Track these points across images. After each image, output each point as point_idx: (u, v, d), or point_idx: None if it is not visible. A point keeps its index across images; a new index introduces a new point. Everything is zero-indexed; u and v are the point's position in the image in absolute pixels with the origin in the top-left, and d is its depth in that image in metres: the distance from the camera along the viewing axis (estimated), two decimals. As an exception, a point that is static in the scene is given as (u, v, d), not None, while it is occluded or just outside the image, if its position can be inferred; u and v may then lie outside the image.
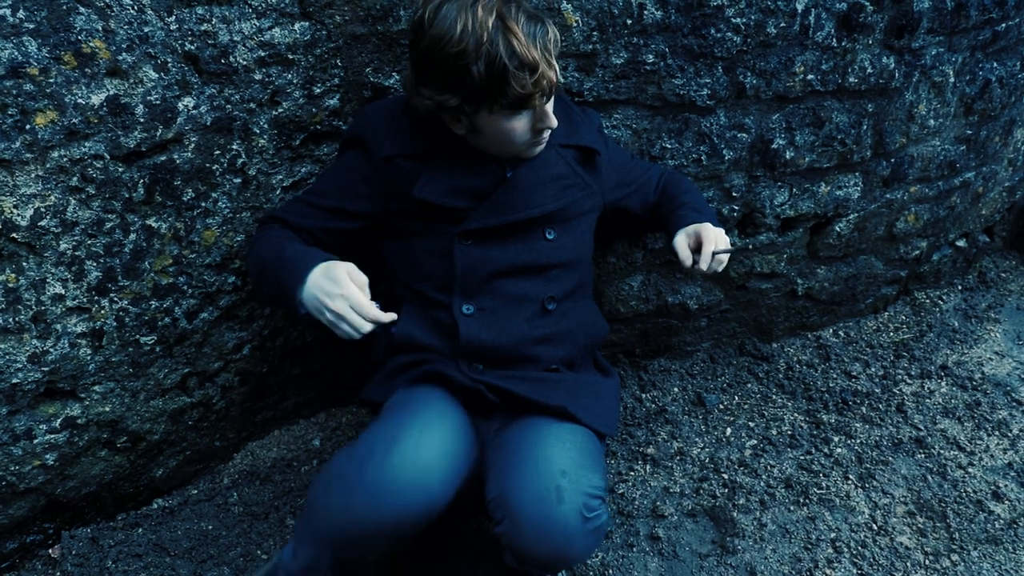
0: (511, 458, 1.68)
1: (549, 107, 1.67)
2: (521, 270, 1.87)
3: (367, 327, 1.58)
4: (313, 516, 1.63)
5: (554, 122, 1.70)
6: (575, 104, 2.00)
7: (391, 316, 1.60)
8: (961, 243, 3.20)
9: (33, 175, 1.66)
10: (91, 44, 1.64)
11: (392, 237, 1.90)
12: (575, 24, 2.00)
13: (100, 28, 1.64)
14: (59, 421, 1.94)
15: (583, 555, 1.64)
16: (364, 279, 1.62)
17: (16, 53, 1.55)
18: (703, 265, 1.85)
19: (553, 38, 1.61)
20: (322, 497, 1.60)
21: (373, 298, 1.64)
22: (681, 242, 1.93)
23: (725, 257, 1.89)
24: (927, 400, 2.64)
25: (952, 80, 2.55)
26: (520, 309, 1.86)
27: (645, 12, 2.03)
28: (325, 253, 1.70)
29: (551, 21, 1.64)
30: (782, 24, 2.15)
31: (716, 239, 1.87)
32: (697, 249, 1.90)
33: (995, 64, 2.63)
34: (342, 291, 1.57)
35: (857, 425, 2.53)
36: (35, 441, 1.92)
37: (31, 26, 1.55)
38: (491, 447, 1.79)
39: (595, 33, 2.03)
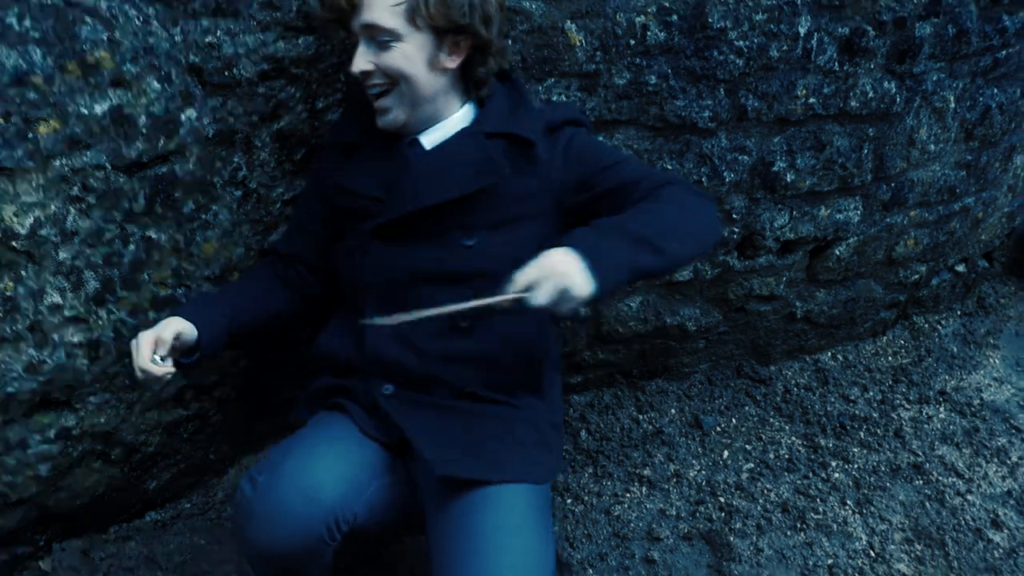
0: (459, 554, 1.56)
1: (359, 50, 1.64)
2: (438, 277, 1.70)
3: (137, 374, 1.62)
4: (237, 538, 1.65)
5: (355, 63, 1.64)
6: (546, 100, 1.92)
7: (165, 369, 1.62)
8: (960, 268, 3.20)
9: (34, 183, 1.66)
10: (96, 54, 1.64)
11: (334, 238, 1.86)
12: (578, 44, 2.01)
13: (105, 38, 1.64)
14: (53, 432, 1.93)
15: None
16: (169, 335, 1.63)
17: (21, 61, 1.55)
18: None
19: None
20: (234, 520, 1.61)
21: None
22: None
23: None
24: (925, 425, 2.63)
25: (953, 105, 2.55)
26: (431, 322, 1.59)
27: (648, 33, 2.04)
28: (216, 307, 1.77)
29: None
30: (784, 48, 2.16)
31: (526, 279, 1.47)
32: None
33: (995, 90, 2.64)
34: (141, 333, 1.63)
35: (855, 450, 2.52)
36: (29, 451, 1.91)
37: (37, 35, 1.55)
38: (430, 526, 1.67)
39: (598, 53, 2.04)
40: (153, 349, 1.62)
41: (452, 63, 1.67)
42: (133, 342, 1.63)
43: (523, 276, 1.44)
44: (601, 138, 2.15)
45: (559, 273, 1.43)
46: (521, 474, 1.65)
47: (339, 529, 1.57)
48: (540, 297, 1.43)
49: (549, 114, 1.77)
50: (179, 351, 1.69)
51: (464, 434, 1.69)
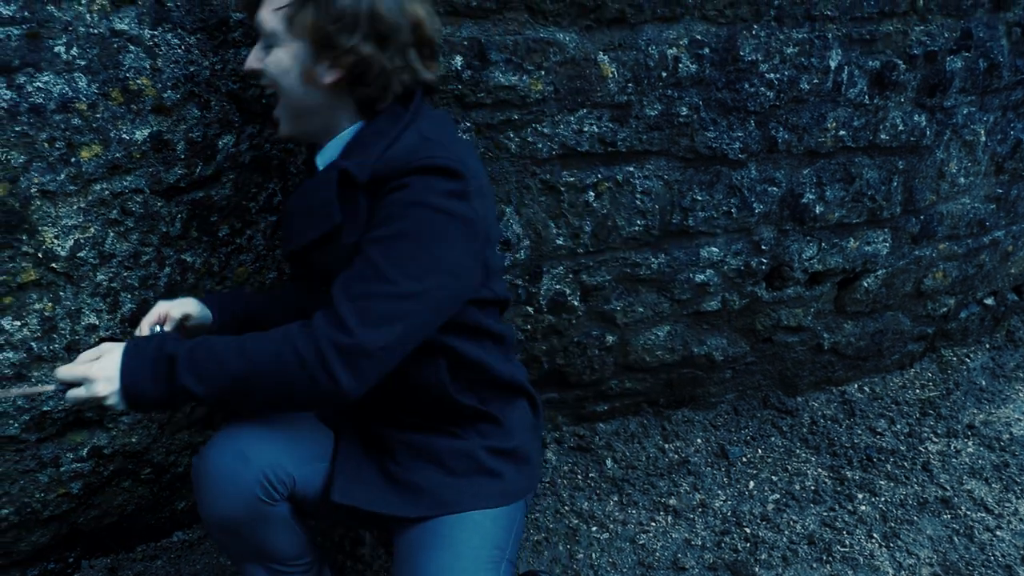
0: None
1: (254, 47, 1.53)
2: None
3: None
4: None
5: (247, 60, 1.53)
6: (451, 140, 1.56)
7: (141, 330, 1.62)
8: (989, 301, 3.18)
9: (75, 207, 1.70)
10: (138, 81, 1.68)
11: None
12: (611, 75, 2.03)
13: (148, 66, 1.68)
14: (86, 450, 1.96)
15: None
16: (177, 312, 1.64)
17: (67, 88, 1.59)
18: None
19: None
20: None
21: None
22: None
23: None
24: (953, 459, 2.61)
25: (983, 139, 2.55)
26: None
27: (680, 65, 2.06)
28: (237, 301, 1.78)
29: None
30: (815, 81, 2.17)
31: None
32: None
33: (1027, 125, 2.64)
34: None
35: (881, 482, 2.50)
36: (61, 469, 1.94)
37: (83, 63, 1.60)
38: (395, 544, 1.67)
39: (630, 85, 2.06)
40: (158, 321, 1.62)
41: (329, 79, 1.49)
42: None
43: (70, 369, 1.42)
44: (631, 168, 2.16)
45: (94, 378, 1.40)
46: (451, 506, 1.62)
47: (275, 488, 1.55)
48: (70, 396, 1.42)
49: (413, 154, 1.46)
50: (191, 333, 1.69)
51: (392, 464, 1.65)
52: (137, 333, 1.62)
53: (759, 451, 2.64)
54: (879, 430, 2.74)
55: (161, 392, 1.41)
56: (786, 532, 2.32)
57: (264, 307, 1.82)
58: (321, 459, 1.66)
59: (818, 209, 2.39)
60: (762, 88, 2.14)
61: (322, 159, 1.59)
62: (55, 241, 1.70)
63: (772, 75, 2.13)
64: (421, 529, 1.60)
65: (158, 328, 1.62)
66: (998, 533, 2.32)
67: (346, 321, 1.38)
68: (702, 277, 2.40)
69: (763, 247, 2.41)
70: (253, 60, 1.52)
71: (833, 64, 2.18)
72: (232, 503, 1.54)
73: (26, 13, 1.52)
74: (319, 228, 1.51)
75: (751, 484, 2.50)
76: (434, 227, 1.43)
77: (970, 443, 2.69)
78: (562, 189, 2.14)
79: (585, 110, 2.07)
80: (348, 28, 1.44)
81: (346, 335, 1.38)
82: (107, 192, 1.73)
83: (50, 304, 1.75)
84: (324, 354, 1.38)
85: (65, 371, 1.41)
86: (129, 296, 1.85)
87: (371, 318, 1.39)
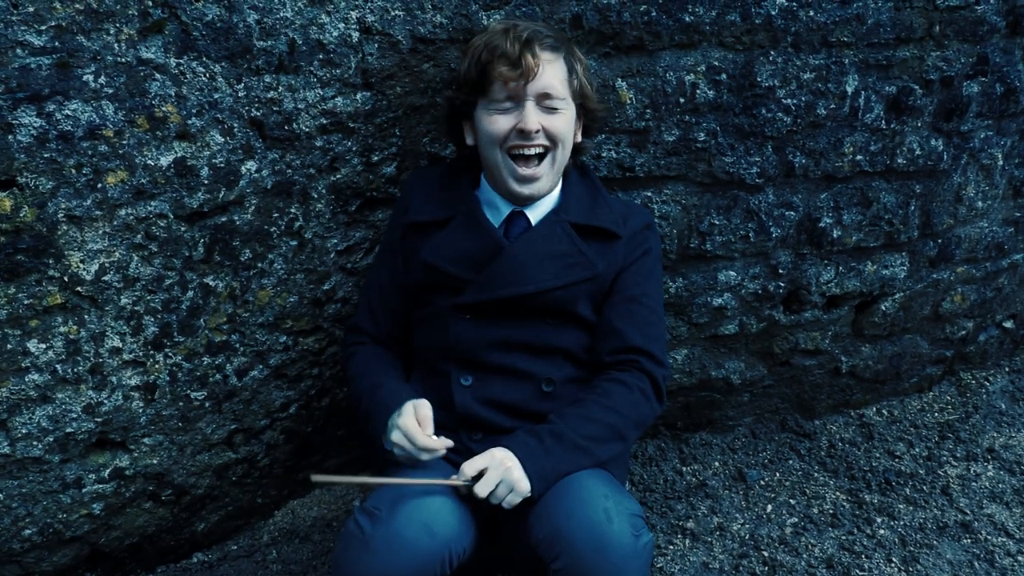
0: (552, 498, 1.68)
1: (531, 109, 1.75)
2: (521, 347, 1.86)
3: (422, 456, 1.71)
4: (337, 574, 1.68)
5: (531, 122, 1.75)
6: (621, 197, 2.07)
7: (445, 443, 1.72)
8: (1008, 324, 3.17)
9: (100, 231, 1.72)
10: (163, 108, 1.71)
11: (415, 309, 1.95)
12: (629, 101, 2.05)
13: (173, 94, 1.71)
14: (108, 471, 1.97)
15: None
16: (429, 411, 1.74)
17: (94, 116, 1.62)
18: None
19: (567, 61, 1.81)
20: (341, 555, 1.64)
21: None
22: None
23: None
24: (973, 483, 2.60)
25: (1001, 163, 2.55)
26: (518, 387, 1.86)
27: (698, 91, 2.08)
28: (411, 392, 1.84)
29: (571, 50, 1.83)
30: (832, 106, 2.19)
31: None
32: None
33: (1044, 148, 2.64)
34: (400, 421, 1.71)
35: (900, 506, 2.49)
36: (83, 490, 1.95)
37: (110, 91, 1.63)
38: (524, 516, 1.75)
39: (648, 111, 2.07)
40: (428, 427, 1.72)
41: (579, 136, 1.90)
42: (396, 434, 1.72)
43: (472, 465, 1.65)
44: (649, 193, 2.18)
45: (505, 469, 1.65)
46: (608, 466, 1.80)
47: (451, 563, 1.63)
48: (483, 488, 1.63)
49: (628, 213, 1.93)
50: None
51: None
52: (424, 457, 1.70)
53: (777, 474, 2.64)
54: (898, 453, 2.73)
55: (563, 464, 1.70)
56: (804, 556, 2.31)
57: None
58: (473, 516, 1.73)
59: (835, 233, 2.39)
60: (779, 113, 2.15)
61: (535, 212, 1.88)
62: (81, 265, 1.72)
63: (789, 100, 2.15)
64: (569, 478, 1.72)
65: (434, 433, 1.72)
66: (1020, 559, 2.30)
67: (661, 358, 1.88)
68: (720, 301, 2.41)
69: (780, 271, 2.42)
70: (535, 121, 1.76)
71: (850, 89, 2.19)
72: (409, 574, 1.59)
73: (56, 43, 1.56)
74: (578, 274, 1.84)
75: (769, 507, 2.49)
76: (662, 272, 1.99)
77: (990, 467, 2.67)
78: (580, 213, 2.16)
79: (603, 136, 2.09)
80: (591, 88, 1.86)
81: (665, 369, 1.89)
82: (132, 217, 1.75)
83: (75, 327, 1.78)
84: (660, 388, 1.86)
85: (466, 466, 1.66)
86: (152, 319, 1.87)
87: (664, 351, 1.92)
